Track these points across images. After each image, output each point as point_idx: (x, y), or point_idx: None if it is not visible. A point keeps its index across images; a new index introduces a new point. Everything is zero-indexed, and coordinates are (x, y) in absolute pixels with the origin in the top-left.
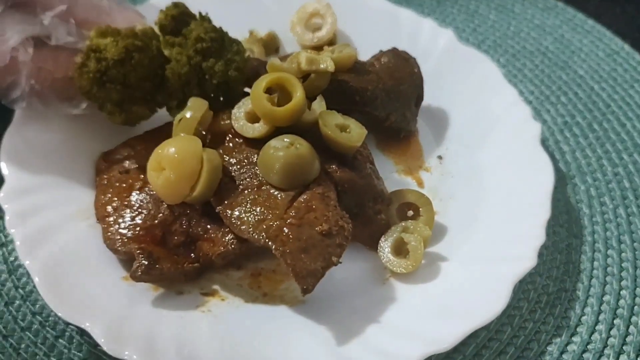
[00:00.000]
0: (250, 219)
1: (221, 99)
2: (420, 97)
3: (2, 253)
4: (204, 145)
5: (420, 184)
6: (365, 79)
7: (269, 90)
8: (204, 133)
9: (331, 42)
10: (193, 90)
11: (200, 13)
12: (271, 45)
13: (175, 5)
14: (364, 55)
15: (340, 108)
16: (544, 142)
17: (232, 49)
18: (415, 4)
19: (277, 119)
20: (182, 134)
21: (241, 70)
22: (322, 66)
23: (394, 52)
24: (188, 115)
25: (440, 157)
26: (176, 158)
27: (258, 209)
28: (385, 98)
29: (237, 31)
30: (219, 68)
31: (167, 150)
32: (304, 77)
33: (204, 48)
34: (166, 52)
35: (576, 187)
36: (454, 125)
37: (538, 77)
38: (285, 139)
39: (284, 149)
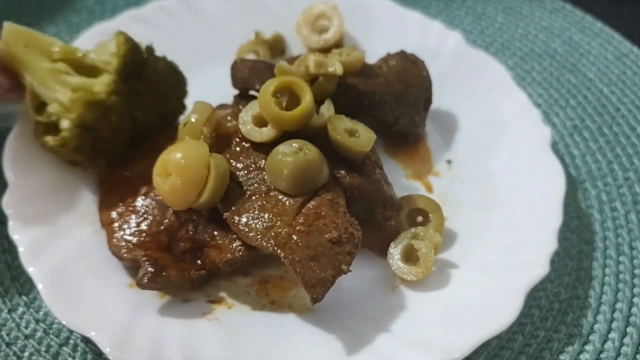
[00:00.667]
0: (258, 225)
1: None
2: (428, 101)
3: (6, 259)
4: (209, 149)
5: (429, 189)
6: (373, 82)
7: (276, 94)
8: (209, 136)
9: (338, 44)
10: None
11: (146, 47)
12: (277, 47)
13: (128, 47)
14: (371, 58)
15: (348, 112)
16: (553, 146)
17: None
18: (421, 6)
19: (286, 124)
20: (187, 138)
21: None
22: (330, 69)
23: (402, 54)
24: (193, 119)
25: (449, 162)
26: (183, 164)
27: (266, 216)
28: (393, 102)
29: (243, 33)
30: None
31: (174, 155)
32: (312, 80)
33: (165, 90)
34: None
35: (587, 192)
36: (462, 129)
37: (547, 80)
38: (294, 144)
39: (292, 155)
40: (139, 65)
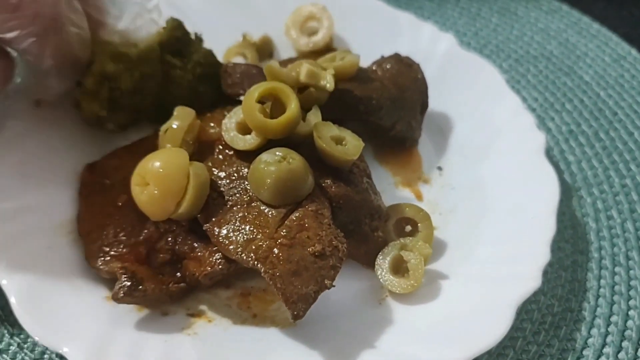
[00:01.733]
0: (238, 238)
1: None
2: (425, 104)
3: None
4: (191, 156)
5: (419, 197)
6: (369, 87)
7: (262, 100)
8: (191, 143)
9: (327, 47)
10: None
11: (195, 34)
12: (265, 49)
13: (177, 25)
14: (362, 61)
15: (343, 117)
16: (548, 152)
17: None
18: (414, 7)
19: (270, 132)
20: (168, 146)
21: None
22: (322, 82)
23: (397, 57)
24: (174, 125)
25: (440, 168)
26: (161, 173)
27: (247, 228)
28: (390, 106)
29: (229, 34)
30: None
31: (152, 164)
32: (303, 87)
33: (201, 73)
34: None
35: (582, 200)
36: (454, 134)
37: (542, 83)
38: (278, 153)
39: (275, 164)
40: (182, 43)
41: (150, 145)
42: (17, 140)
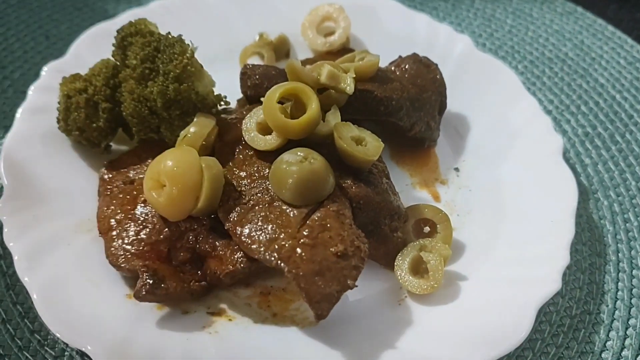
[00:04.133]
0: (261, 237)
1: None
2: (443, 105)
3: (0, 266)
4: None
5: (436, 197)
6: (389, 87)
7: (282, 100)
8: (208, 146)
9: (344, 47)
10: (152, 119)
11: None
12: (282, 48)
13: (120, 29)
14: (380, 62)
15: (355, 117)
16: (564, 155)
17: (167, 57)
18: (429, 8)
19: (291, 132)
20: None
21: (181, 77)
22: (342, 85)
23: (415, 57)
24: (192, 130)
25: (457, 169)
26: (176, 171)
27: (270, 227)
28: (409, 107)
29: (246, 33)
30: (156, 89)
31: (164, 164)
32: (323, 88)
33: (139, 74)
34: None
35: (599, 203)
36: (471, 136)
37: (557, 86)
38: (299, 153)
39: (297, 164)
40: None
41: (165, 145)
42: (38, 141)
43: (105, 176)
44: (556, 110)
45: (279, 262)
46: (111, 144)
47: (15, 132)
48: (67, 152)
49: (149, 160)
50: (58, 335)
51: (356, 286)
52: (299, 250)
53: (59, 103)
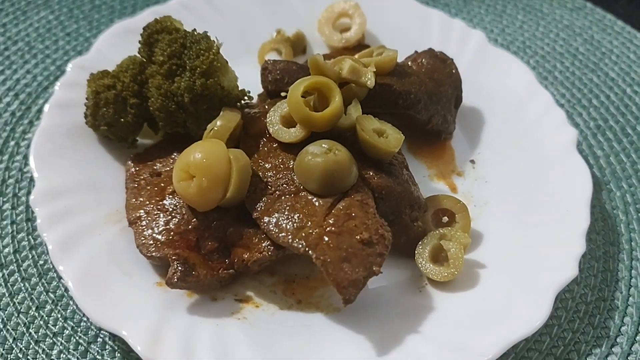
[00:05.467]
0: (288, 226)
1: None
2: (459, 99)
3: (32, 256)
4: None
5: (453, 189)
6: (407, 81)
7: (305, 93)
8: (234, 139)
9: (359, 43)
10: (179, 114)
11: (168, 21)
12: (299, 45)
13: (146, 26)
14: None
15: (372, 111)
16: (577, 147)
17: (194, 53)
18: (441, 4)
19: (315, 124)
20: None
21: (208, 72)
22: (362, 79)
23: (431, 52)
24: (219, 124)
25: (473, 162)
26: (205, 163)
27: (296, 216)
28: (427, 100)
29: (264, 30)
30: (183, 85)
31: (194, 156)
32: (343, 82)
33: (166, 70)
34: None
35: (611, 193)
36: (486, 128)
37: (569, 80)
38: (324, 145)
39: (322, 155)
40: (153, 45)
41: (191, 139)
42: (67, 134)
43: (132, 169)
44: (568, 104)
45: (307, 249)
46: (137, 138)
47: (44, 127)
48: (93, 146)
49: (174, 154)
50: (94, 320)
51: (381, 272)
52: (325, 238)
53: (87, 99)
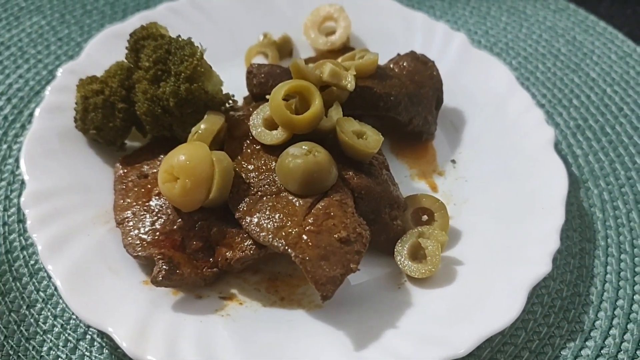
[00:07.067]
0: (269, 225)
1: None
2: (440, 100)
3: (23, 256)
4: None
5: (434, 188)
6: (388, 84)
7: (287, 96)
8: (217, 141)
9: (344, 46)
10: (165, 118)
11: (154, 27)
12: (285, 48)
13: (133, 33)
14: (379, 59)
15: (355, 113)
16: (556, 146)
17: (178, 58)
18: (426, 6)
19: (296, 127)
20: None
21: (192, 77)
22: (343, 82)
23: (413, 55)
24: (203, 127)
25: (453, 161)
26: (188, 165)
27: (277, 216)
28: (408, 102)
29: (251, 34)
30: (169, 89)
31: (177, 159)
32: (325, 86)
33: (152, 75)
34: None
35: (589, 191)
36: (467, 129)
37: (550, 80)
38: (304, 146)
39: (302, 157)
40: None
41: (177, 141)
42: (56, 138)
43: (120, 171)
44: (549, 103)
45: (287, 247)
46: (125, 141)
47: (34, 130)
48: (83, 149)
49: (161, 156)
50: (81, 318)
51: (359, 270)
52: (304, 236)
53: (76, 104)
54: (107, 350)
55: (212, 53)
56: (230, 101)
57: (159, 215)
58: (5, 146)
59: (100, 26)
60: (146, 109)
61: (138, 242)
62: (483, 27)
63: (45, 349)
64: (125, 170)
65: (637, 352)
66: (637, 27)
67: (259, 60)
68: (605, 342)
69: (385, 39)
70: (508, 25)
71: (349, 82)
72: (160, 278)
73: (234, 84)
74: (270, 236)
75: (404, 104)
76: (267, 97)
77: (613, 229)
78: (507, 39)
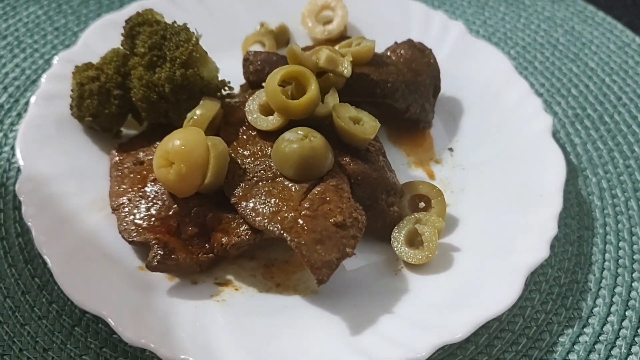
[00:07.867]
0: (265, 210)
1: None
2: (437, 88)
3: (19, 243)
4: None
5: (431, 176)
6: (385, 71)
7: (283, 83)
8: (213, 127)
9: (342, 35)
10: (161, 104)
11: (150, 14)
12: (282, 37)
13: (129, 19)
14: (376, 49)
15: (352, 100)
16: (555, 135)
17: (174, 44)
18: None
19: (292, 112)
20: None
21: (188, 63)
22: (339, 68)
23: (410, 43)
24: (198, 112)
25: (451, 150)
26: (184, 149)
27: (273, 201)
28: (405, 90)
29: (248, 23)
30: (164, 75)
31: (173, 143)
32: (322, 72)
33: (148, 62)
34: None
35: (587, 180)
36: (465, 117)
37: (549, 70)
38: (300, 132)
39: (298, 142)
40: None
41: (173, 128)
42: (52, 124)
43: (116, 158)
44: (547, 93)
45: (282, 232)
46: (122, 129)
47: (30, 117)
48: (79, 136)
49: (157, 143)
50: (76, 302)
51: (354, 254)
52: (300, 221)
53: (72, 91)
54: (102, 335)
55: (209, 42)
56: (227, 88)
57: (154, 201)
58: (1, 134)
59: (97, 16)
60: (142, 95)
61: (133, 227)
62: (481, 17)
63: (40, 334)
64: (121, 157)
65: (636, 339)
66: (636, 17)
67: (256, 49)
68: (603, 329)
69: (383, 28)
70: (506, 15)
71: (346, 68)
72: (156, 263)
73: (231, 74)
74: (265, 221)
75: (401, 91)
76: (264, 84)
77: (611, 216)
78: (505, 29)
